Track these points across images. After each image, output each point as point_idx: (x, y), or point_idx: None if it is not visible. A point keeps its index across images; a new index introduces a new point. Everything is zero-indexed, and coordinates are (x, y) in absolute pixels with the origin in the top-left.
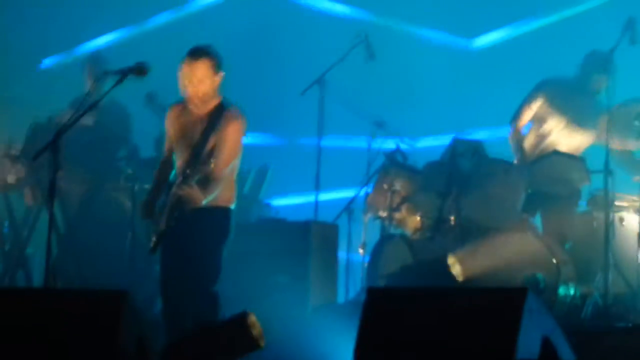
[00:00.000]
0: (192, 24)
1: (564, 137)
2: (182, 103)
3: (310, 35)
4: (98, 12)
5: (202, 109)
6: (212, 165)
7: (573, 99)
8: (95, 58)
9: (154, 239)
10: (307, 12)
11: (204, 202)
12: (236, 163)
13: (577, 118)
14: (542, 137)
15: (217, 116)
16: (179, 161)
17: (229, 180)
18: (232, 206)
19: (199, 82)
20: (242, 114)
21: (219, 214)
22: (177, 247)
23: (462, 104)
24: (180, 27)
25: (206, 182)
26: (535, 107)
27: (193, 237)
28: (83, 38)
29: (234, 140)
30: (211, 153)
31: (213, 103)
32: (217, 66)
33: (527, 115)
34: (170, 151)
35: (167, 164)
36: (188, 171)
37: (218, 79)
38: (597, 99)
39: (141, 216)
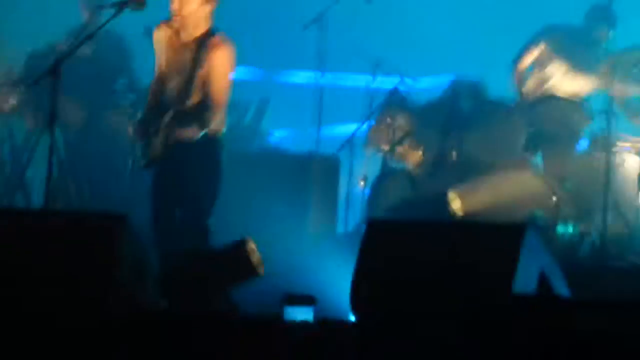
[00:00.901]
0: None
1: (565, 81)
2: (170, 23)
3: None
4: None
5: (190, 34)
6: (207, 97)
7: (575, 45)
8: None
9: (149, 156)
10: None
11: (198, 136)
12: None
13: (578, 64)
14: (542, 81)
15: (205, 42)
16: (170, 84)
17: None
18: (223, 132)
19: (184, 1)
20: (230, 40)
21: (212, 145)
22: (170, 177)
23: (463, 44)
24: None
25: (201, 116)
26: (538, 51)
27: (186, 169)
28: None
29: (225, 68)
30: (204, 83)
31: (201, 29)
32: None
33: (529, 58)
34: (162, 72)
35: (159, 84)
36: (183, 104)
37: (205, 8)
38: (599, 47)
39: (135, 139)
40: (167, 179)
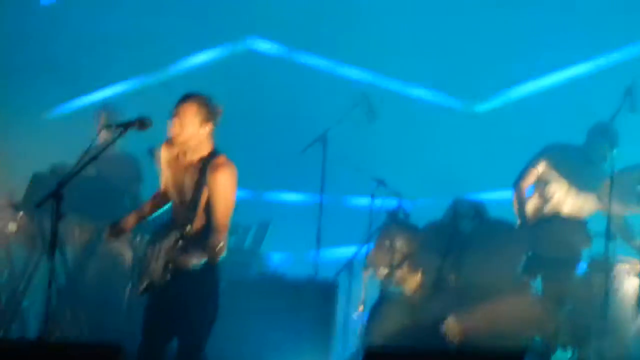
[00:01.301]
0: (198, 78)
1: (566, 201)
2: (173, 145)
3: (313, 94)
4: (101, 65)
5: (192, 156)
6: (210, 222)
7: (577, 164)
8: (108, 108)
9: (144, 282)
10: (310, 71)
11: (203, 261)
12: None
13: (580, 183)
14: (544, 200)
15: (207, 164)
16: (173, 204)
17: None
18: (222, 258)
19: (183, 125)
20: (231, 162)
21: (210, 272)
22: (165, 304)
23: (464, 166)
24: (186, 82)
25: (206, 242)
26: (539, 170)
27: (183, 296)
28: (86, 90)
29: (228, 190)
30: (206, 207)
31: (203, 151)
32: (205, 115)
33: (531, 177)
34: (166, 189)
35: (159, 198)
36: (187, 228)
37: (206, 128)
38: (601, 166)
39: (106, 235)
40: (162, 306)
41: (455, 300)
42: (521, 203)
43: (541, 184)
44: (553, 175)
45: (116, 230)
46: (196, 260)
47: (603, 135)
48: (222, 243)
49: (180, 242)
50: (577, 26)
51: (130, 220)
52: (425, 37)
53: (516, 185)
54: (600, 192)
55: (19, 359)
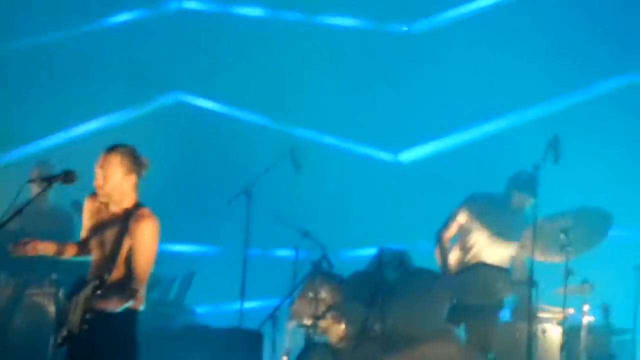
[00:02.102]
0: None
1: (488, 249)
2: (97, 196)
3: (240, 146)
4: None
5: (117, 207)
6: (130, 271)
7: (497, 213)
8: (42, 163)
9: (63, 333)
10: (237, 123)
11: (119, 310)
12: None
13: (501, 231)
14: (467, 249)
15: (131, 215)
16: (94, 256)
17: None
18: (142, 308)
19: (106, 176)
20: (154, 215)
21: (129, 322)
22: (85, 352)
23: (389, 216)
24: (113, 134)
25: (124, 289)
26: (461, 220)
27: (101, 346)
28: (11, 145)
29: (149, 241)
30: (127, 258)
31: (128, 202)
32: (128, 166)
33: (453, 228)
34: (85, 239)
35: (81, 246)
36: (105, 277)
37: (129, 180)
38: (522, 214)
39: (11, 246)
40: (81, 356)
41: (380, 348)
42: (443, 253)
43: (463, 233)
44: (474, 224)
45: (24, 244)
46: (113, 306)
47: (521, 184)
48: (141, 292)
49: (99, 291)
50: (502, 78)
51: (46, 245)
52: (348, 88)
53: (438, 235)
54: (521, 239)
55: None
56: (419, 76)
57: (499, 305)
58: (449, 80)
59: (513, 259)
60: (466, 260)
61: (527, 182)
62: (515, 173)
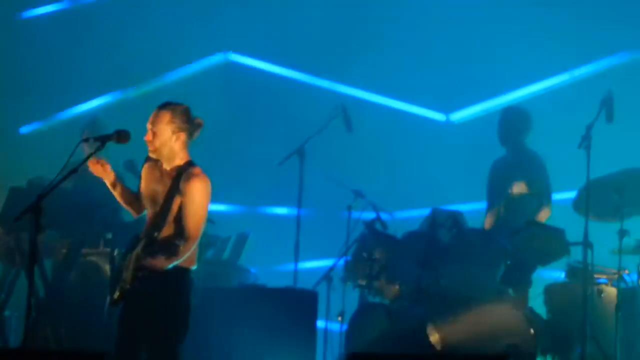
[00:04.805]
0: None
1: (542, 211)
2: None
3: (292, 106)
4: (77, 79)
5: (168, 164)
6: (181, 229)
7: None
8: (93, 123)
9: (117, 292)
10: (288, 83)
11: (169, 267)
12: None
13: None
14: (519, 211)
15: (181, 173)
16: (147, 214)
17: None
18: (194, 267)
19: (155, 132)
20: (205, 175)
21: (181, 281)
22: (136, 313)
23: (441, 177)
24: (165, 94)
25: (172, 248)
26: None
27: (153, 304)
28: (63, 105)
29: (200, 200)
30: (178, 215)
31: (178, 161)
32: (178, 124)
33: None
34: (140, 197)
35: (134, 194)
36: (155, 234)
37: (179, 138)
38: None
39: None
40: (133, 313)
41: (435, 309)
42: (497, 213)
43: (515, 195)
44: (525, 187)
45: (98, 163)
46: (161, 264)
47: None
48: (192, 251)
49: (149, 247)
50: (554, 37)
51: (111, 174)
52: (400, 47)
53: (490, 197)
54: (575, 201)
55: None
56: (469, 35)
57: (555, 266)
58: (500, 39)
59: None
60: (520, 221)
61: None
62: None
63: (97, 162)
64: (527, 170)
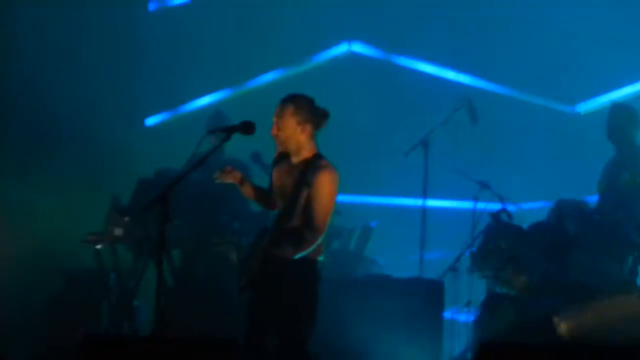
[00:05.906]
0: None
1: None
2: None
3: (414, 97)
4: (202, 71)
5: (295, 157)
6: (309, 220)
7: None
8: (217, 114)
9: (244, 282)
10: (411, 74)
11: (296, 257)
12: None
13: None
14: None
15: (308, 167)
16: (278, 205)
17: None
18: (321, 258)
19: (281, 125)
20: (333, 167)
21: (309, 271)
22: (265, 299)
23: (567, 167)
24: (289, 87)
25: (300, 239)
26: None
27: (281, 294)
28: (185, 98)
29: (328, 192)
30: (306, 207)
31: (306, 153)
32: (303, 115)
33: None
34: (270, 191)
35: (263, 191)
36: (283, 226)
37: (304, 130)
38: None
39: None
40: (261, 304)
41: (562, 300)
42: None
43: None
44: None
45: (229, 171)
46: (288, 254)
47: None
48: (318, 242)
49: (277, 238)
50: None
51: (241, 179)
52: (526, 39)
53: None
54: None
55: (139, 353)
56: (596, 27)
57: None
58: (624, 30)
59: None
60: None
61: None
62: None
63: (227, 173)
64: (632, 167)
